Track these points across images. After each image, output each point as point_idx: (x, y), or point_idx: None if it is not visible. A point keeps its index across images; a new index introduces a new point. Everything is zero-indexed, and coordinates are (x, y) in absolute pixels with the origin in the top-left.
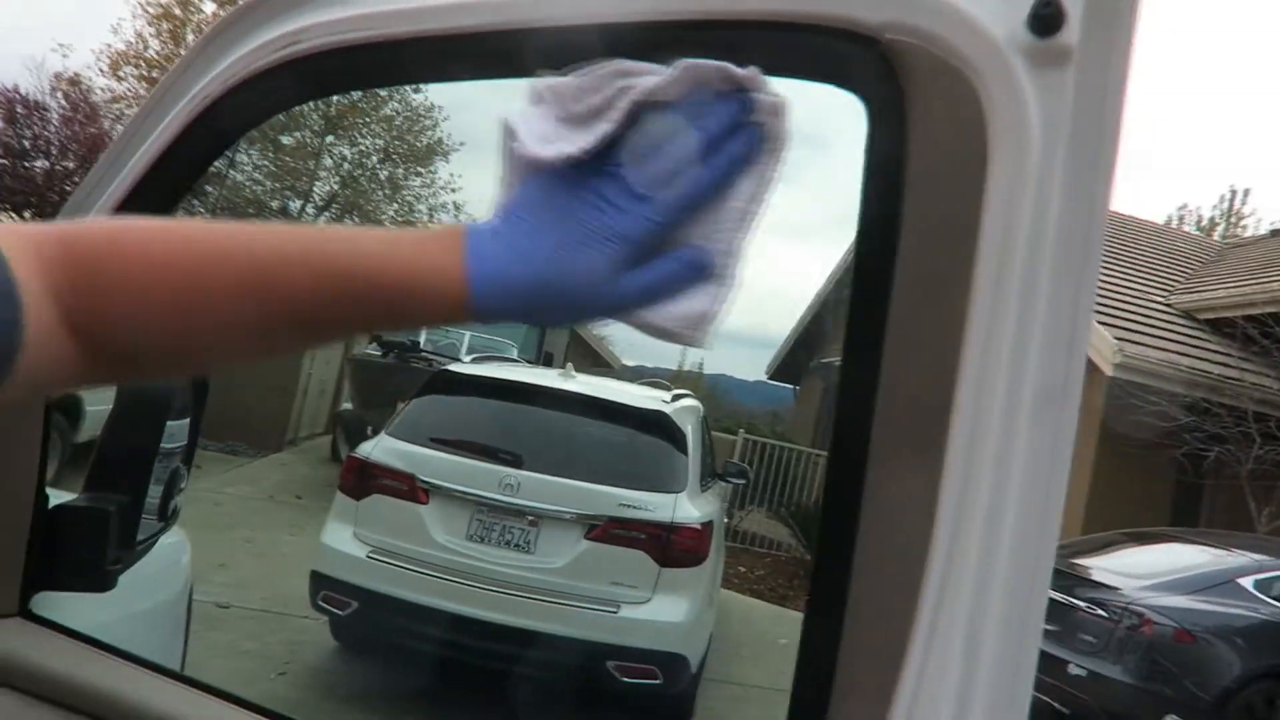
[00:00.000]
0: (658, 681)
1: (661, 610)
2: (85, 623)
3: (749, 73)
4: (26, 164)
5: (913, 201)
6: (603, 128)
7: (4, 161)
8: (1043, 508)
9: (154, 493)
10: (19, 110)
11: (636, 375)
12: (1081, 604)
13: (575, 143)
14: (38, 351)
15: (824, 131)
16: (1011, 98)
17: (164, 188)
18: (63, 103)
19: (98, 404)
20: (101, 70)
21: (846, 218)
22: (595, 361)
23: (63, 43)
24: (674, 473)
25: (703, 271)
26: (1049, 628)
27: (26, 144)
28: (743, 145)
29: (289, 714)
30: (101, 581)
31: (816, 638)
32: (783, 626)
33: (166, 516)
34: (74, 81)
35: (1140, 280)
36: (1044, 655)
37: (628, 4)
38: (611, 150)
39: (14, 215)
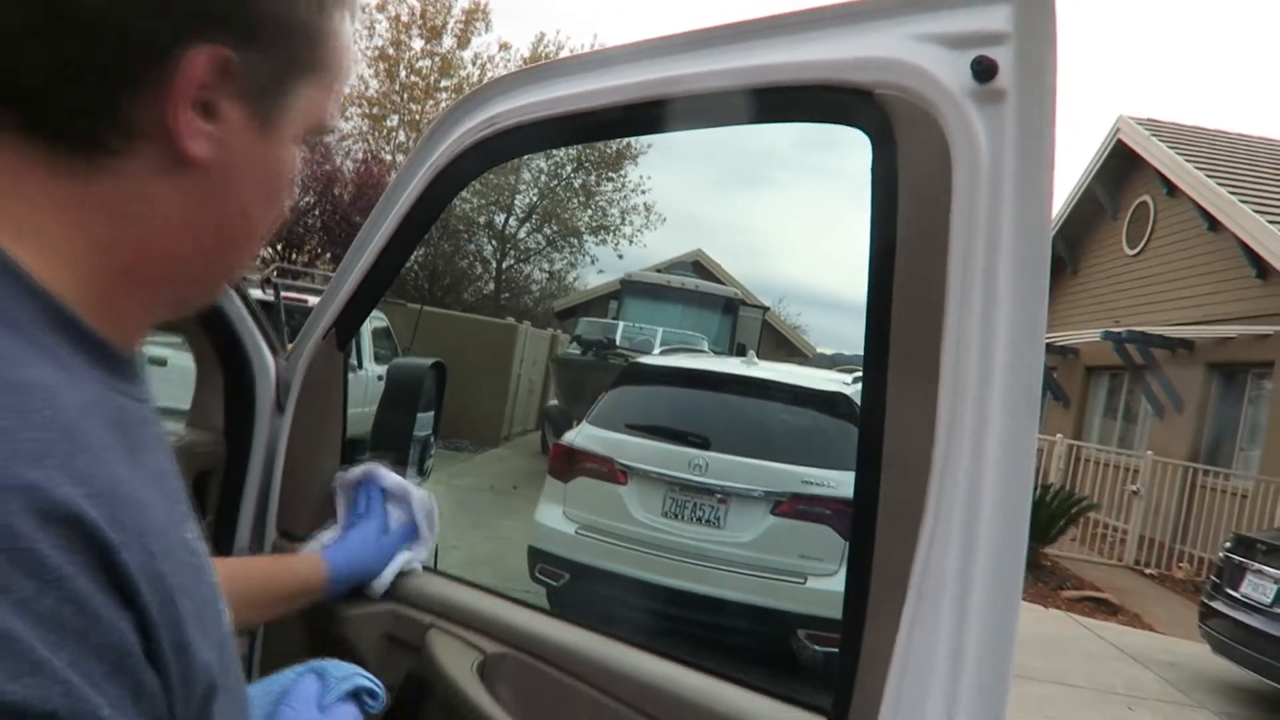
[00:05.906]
0: None
1: None
2: None
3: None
4: None
5: (904, 215)
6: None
7: None
8: (1020, 466)
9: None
10: None
11: (832, 363)
12: None
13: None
14: None
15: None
16: (964, 129)
17: (415, 228)
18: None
19: (354, 406)
20: None
21: None
22: (789, 351)
23: None
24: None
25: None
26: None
27: None
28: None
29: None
30: None
31: (855, 586)
32: None
33: (422, 473)
34: None
35: None
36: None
37: (694, 81)
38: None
39: (264, 245)
